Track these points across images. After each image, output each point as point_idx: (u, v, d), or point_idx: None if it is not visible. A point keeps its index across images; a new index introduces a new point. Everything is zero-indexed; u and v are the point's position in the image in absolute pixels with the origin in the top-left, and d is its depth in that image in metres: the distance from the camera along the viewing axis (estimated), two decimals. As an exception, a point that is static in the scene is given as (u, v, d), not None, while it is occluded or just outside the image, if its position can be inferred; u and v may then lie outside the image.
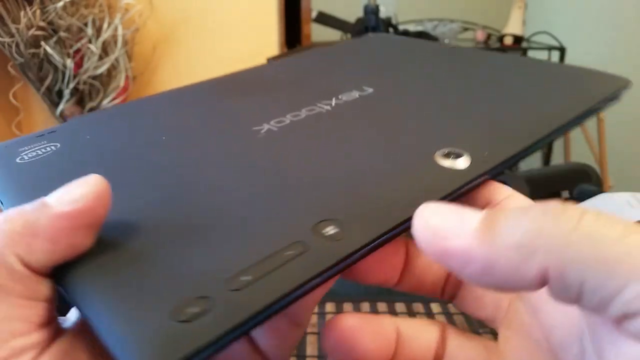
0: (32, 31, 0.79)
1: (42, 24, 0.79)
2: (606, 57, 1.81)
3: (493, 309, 0.20)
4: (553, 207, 0.13)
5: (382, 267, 0.21)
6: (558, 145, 1.84)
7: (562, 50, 1.73)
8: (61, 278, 0.16)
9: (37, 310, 0.15)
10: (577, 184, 0.81)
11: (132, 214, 0.17)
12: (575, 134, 1.75)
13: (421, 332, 0.20)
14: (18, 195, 0.19)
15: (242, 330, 0.14)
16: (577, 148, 1.75)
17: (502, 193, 0.20)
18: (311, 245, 0.16)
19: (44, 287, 0.16)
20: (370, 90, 0.27)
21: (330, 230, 0.17)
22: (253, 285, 0.15)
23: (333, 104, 0.25)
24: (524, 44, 1.87)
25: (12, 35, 0.78)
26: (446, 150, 0.21)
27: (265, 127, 0.23)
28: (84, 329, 0.16)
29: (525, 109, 0.24)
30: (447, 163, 0.20)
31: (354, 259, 0.16)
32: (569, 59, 1.74)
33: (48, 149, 0.22)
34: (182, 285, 0.15)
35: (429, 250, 0.14)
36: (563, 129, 0.23)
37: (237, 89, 0.28)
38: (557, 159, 1.87)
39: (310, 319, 0.57)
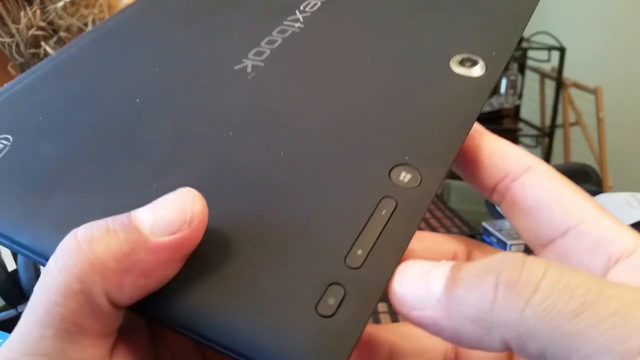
0: (32, 31, 0.79)
1: (42, 24, 0.79)
2: (606, 57, 1.81)
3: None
4: (508, 274, 0.13)
5: None
6: (558, 145, 1.84)
7: (562, 50, 1.73)
8: (160, 310, 0.14)
9: (106, 346, 0.14)
10: (577, 184, 0.80)
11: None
12: (576, 134, 1.75)
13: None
14: (13, 221, 0.15)
15: (377, 303, 0.14)
16: (577, 148, 1.76)
17: (521, 164, 0.18)
18: (399, 198, 0.16)
19: (118, 320, 0.14)
20: None
21: (407, 175, 0.16)
22: (370, 256, 0.14)
23: (301, 19, 0.22)
24: (524, 44, 1.87)
25: (12, 35, 0.78)
26: (459, 58, 0.20)
27: (248, 63, 0.20)
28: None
29: (499, 2, 0.23)
30: (462, 71, 0.19)
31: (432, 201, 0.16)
32: (569, 59, 1.74)
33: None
34: (311, 280, 0.14)
35: (403, 317, 0.15)
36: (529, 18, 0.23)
37: (177, 18, 0.23)
38: (557, 159, 1.87)
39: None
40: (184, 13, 0.23)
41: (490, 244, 0.74)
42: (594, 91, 1.65)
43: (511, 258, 0.13)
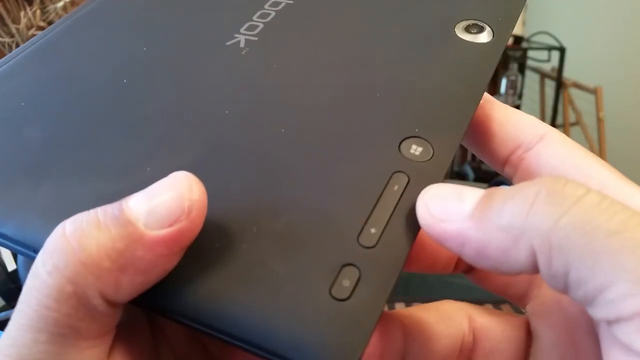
0: (32, 31, 0.79)
1: (42, 24, 0.79)
2: (606, 57, 1.81)
3: (516, 282, 0.18)
4: (550, 185, 0.12)
5: None
6: (558, 145, 1.84)
7: (562, 50, 1.73)
8: (162, 302, 0.13)
9: (105, 345, 0.13)
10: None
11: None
12: (576, 134, 1.75)
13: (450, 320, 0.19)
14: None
15: (395, 284, 0.13)
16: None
17: (535, 133, 0.17)
18: (410, 172, 0.15)
19: (116, 317, 0.13)
20: None
21: (417, 148, 0.15)
22: (385, 235, 0.13)
23: None
24: (524, 44, 1.87)
25: (12, 35, 0.78)
26: (465, 24, 0.19)
27: (241, 38, 0.19)
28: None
29: None
30: (469, 37, 0.18)
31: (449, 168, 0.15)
32: (569, 59, 1.73)
33: None
34: (322, 262, 0.13)
35: (429, 233, 0.14)
36: None
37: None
38: (557, 159, 1.87)
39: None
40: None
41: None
42: (594, 91, 1.65)
43: (554, 177, 0.13)
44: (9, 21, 0.77)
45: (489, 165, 0.18)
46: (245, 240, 0.13)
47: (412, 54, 0.18)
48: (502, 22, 0.19)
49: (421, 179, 0.15)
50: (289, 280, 0.13)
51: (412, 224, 0.14)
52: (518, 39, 1.85)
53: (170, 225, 0.12)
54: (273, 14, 0.20)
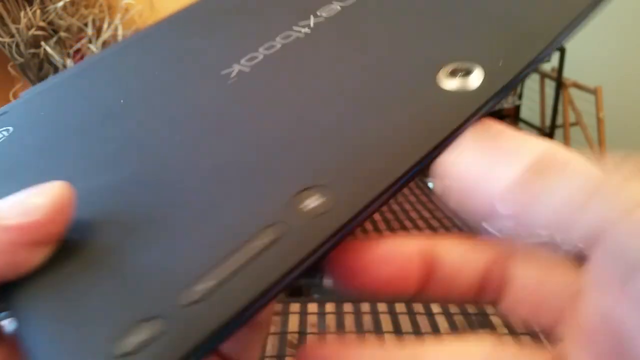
0: (32, 31, 0.79)
1: (42, 24, 0.79)
2: (606, 57, 1.81)
3: (556, 314, 0.15)
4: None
5: (394, 279, 0.16)
6: (558, 146, 1.84)
7: (562, 50, 1.73)
8: (6, 298, 0.14)
9: None
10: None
11: (85, 212, 0.15)
12: (576, 134, 1.75)
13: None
14: None
15: (206, 349, 0.12)
16: (577, 148, 1.75)
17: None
18: (288, 227, 0.13)
19: None
20: None
21: (314, 201, 0.13)
22: (215, 293, 0.12)
23: (311, 24, 0.20)
24: (524, 44, 1.87)
25: (12, 35, 0.78)
26: (451, 68, 0.16)
27: (236, 68, 0.19)
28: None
29: (528, 5, 0.19)
30: (454, 84, 0.16)
31: (344, 233, 0.13)
32: (569, 59, 1.74)
33: (0, 135, 0.19)
34: (124, 308, 0.12)
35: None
36: (577, 23, 0.19)
37: (197, 23, 0.23)
38: (557, 159, 1.87)
39: (311, 319, 0.57)
40: (204, 22, 0.23)
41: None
42: (594, 91, 1.65)
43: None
44: (9, 21, 0.77)
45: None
46: (92, 266, 0.13)
47: (383, 103, 0.16)
48: (502, 69, 0.16)
49: (294, 236, 0.13)
50: (88, 321, 0.12)
51: (252, 290, 0.12)
52: (518, 39, 1.85)
53: (20, 216, 0.13)
54: (279, 46, 0.20)
